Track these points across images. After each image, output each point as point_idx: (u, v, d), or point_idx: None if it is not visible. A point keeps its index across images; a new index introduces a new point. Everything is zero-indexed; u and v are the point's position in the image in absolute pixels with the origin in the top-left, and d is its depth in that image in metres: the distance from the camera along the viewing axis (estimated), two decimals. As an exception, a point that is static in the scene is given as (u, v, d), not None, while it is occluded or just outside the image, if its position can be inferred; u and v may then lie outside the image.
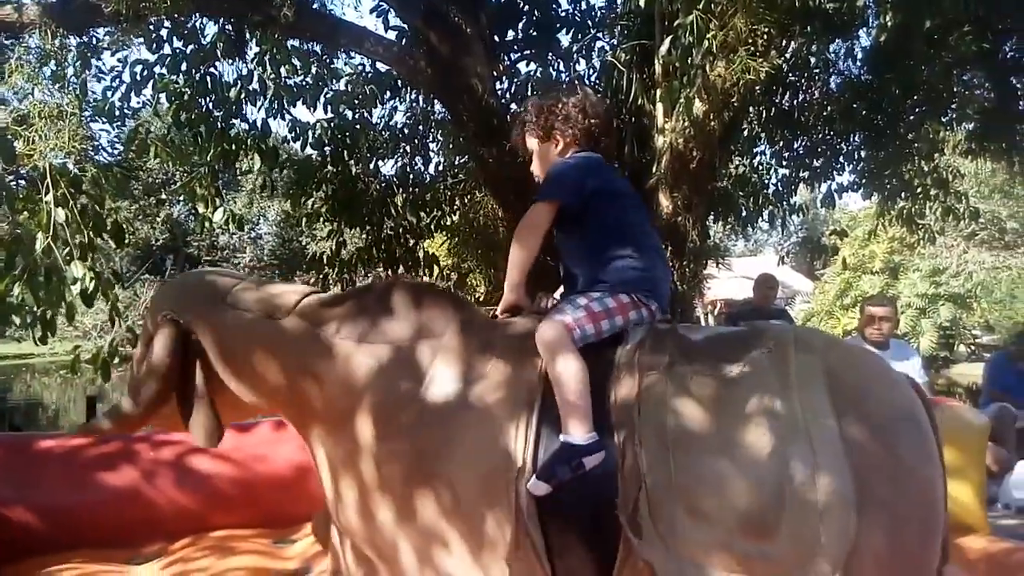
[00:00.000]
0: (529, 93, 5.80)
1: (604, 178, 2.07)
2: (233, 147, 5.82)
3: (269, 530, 3.10)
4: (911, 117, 6.29)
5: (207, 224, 5.60)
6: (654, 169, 4.65)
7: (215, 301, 2.14)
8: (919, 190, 6.95)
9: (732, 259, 9.41)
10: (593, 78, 6.03)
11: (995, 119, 6.74)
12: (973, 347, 19.17)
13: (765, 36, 3.42)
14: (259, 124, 5.99)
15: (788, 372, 1.69)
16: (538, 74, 6.21)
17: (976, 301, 18.57)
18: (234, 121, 5.99)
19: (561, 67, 6.12)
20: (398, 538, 1.85)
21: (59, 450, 3.01)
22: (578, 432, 1.73)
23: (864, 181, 7.22)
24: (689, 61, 3.38)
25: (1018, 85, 6.87)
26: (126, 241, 5.00)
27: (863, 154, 7.18)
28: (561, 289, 2.14)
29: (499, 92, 5.50)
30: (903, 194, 7.04)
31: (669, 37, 3.66)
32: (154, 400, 2.11)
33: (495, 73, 5.30)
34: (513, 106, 5.77)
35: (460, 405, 1.84)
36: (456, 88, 4.81)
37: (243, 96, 5.95)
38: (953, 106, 6.33)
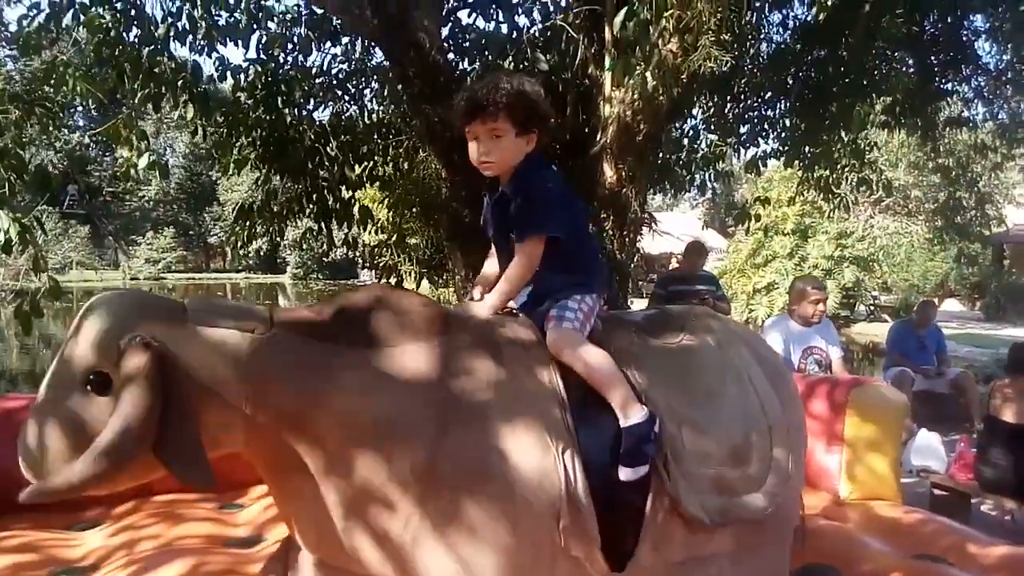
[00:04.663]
0: (476, 51, 5.72)
1: (574, 195, 2.21)
2: (162, 89, 5.54)
3: (214, 494, 3.07)
4: (835, 90, 6.49)
5: (132, 170, 5.33)
6: (598, 137, 4.66)
7: (179, 316, 1.72)
8: (838, 161, 7.23)
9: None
10: (535, 34, 5.97)
11: (914, 95, 7.06)
12: (872, 307, 20.23)
13: (718, 16, 3.46)
14: (189, 65, 5.72)
15: (716, 336, 2.20)
16: (479, 25, 6.10)
17: (878, 264, 19.54)
18: (160, 59, 5.69)
19: (501, 18, 6.03)
20: (435, 556, 1.74)
21: (-5, 413, 2.89)
22: (636, 412, 1.88)
23: (787, 149, 7.45)
24: (646, 37, 3.40)
25: (935, 64, 7.19)
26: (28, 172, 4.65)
27: (787, 123, 7.40)
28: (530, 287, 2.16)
29: (446, 47, 5.39)
30: (822, 163, 7.30)
31: (624, 9, 3.66)
32: (133, 450, 1.57)
33: (441, 28, 5.19)
34: (459, 63, 5.68)
35: (489, 409, 1.82)
36: (403, 42, 4.68)
37: (171, 34, 5.67)
38: (878, 82, 6.54)
